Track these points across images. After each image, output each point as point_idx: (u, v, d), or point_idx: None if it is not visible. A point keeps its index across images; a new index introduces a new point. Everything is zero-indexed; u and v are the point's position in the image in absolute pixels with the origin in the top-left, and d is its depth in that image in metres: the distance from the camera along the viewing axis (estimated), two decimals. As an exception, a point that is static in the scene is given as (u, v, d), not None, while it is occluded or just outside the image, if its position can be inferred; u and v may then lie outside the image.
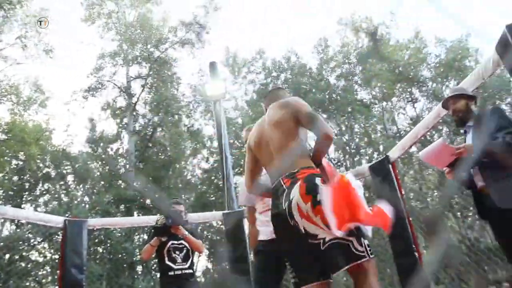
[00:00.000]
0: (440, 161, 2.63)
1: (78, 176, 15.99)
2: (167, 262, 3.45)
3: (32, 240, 13.02)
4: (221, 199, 13.93)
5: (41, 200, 15.66)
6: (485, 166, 2.39)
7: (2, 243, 12.80)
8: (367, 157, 17.04)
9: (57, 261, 11.62)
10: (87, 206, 14.64)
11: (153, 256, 3.65)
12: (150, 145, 17.44)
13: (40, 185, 15.86)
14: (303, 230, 1.70)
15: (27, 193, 15.53)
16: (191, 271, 3.53)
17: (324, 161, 1.90)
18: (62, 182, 16.03)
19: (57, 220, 4.06)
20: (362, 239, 1.69)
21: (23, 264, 12.54)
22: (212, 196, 17.06)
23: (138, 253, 12.29)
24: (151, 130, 17.60)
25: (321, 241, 1.66)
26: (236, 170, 14.20)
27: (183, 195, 16.66)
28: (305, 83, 18.14)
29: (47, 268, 12.95)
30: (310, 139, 3.09)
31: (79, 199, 15.44)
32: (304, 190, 1.71)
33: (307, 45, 19.27)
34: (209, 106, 16.95)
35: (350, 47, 19.16)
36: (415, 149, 10.25)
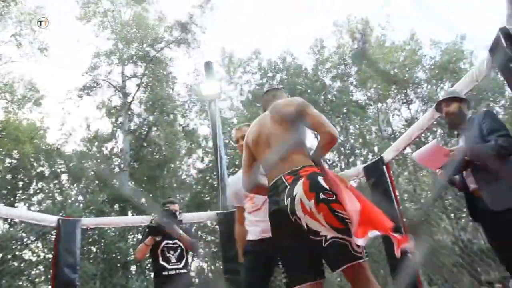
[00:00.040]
0: (433, 163, 2.65)
1: (72, 175, 15.92)
2: (161, 262, 3.43)
3: (25, 239, 12.94)
4: (215, 199, 13.93)
5: (34, 199, 15.57)
6: (477, 168, 2.41)
7: (-5, 242, 12.72)
8: (362, 158, 17.10)
9: (50, 260, 11.55)
10: (81, 205, 14.57)
11: (147, 255, 3.64)
12: (145, 144, 17.38)
13: (34, 183, 15.76)
14: (305, 226, 1.70)
15: (20, 191, 15.43)
16: (185, 270, 3.51)
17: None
18: (56, 181, 15.95)
19: (51, 219, 4.05)
20: None
21: (16, 264, 12.45)
22: (206, 196, 17.04)
23: (132, 253, 12.25)
24: (146, 129, 17.54)
25: (323, 238, 1.66)
26: (231, 170, 14.18)
27: (177, 195, 16.63)
28: (301, 83, 18.15)
29: (40, 267, 12.87)
30: (308, 139, 3.10)
31: (73, 198, 15.36)
32: (307, 187, 1.73)
33: (306, 46, 19.25)
34: (205, 106, 16.93)
35: (345, 48, 19.20)
36: (409, 151, 10.29)
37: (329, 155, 17.50)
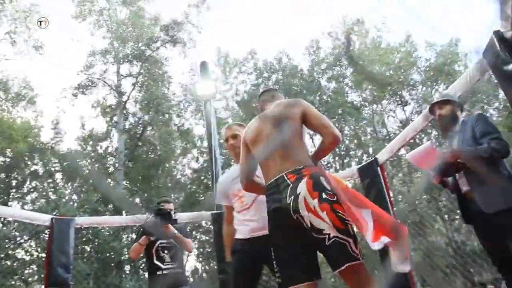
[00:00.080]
0: (427, 164, 2.66)
1: (66, 174, 15.86)
2: (156, 261, 3.42)
3: (18, 238, 12.87)
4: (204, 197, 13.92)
5: (28, 197, 15.50)
6: (470, 170, 2.43)
7: (-13, 241, 12.64)
8: (357, 159, 17.14)
9: (43, 259, 11.49)
10: (75, 204, 14.51)
11: (141, 255, 3.63)
12: (140, 143, 17.34)
13: (28, 182, 15.69)
14: (309, 224, 1.71)
15: (14, 190, 15.36)
16: (180, 270, 3.50)
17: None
18: (50, 180, 15.88)
19: (44, 218, 4.03)
20: (357, 242, 1.71)
21: (8, 263, 12.38)
22: (201, 196, 17.02)
23: (126, 252, 12.20)
24: (141, 128, 17.50)
25: (327, 236, 1.67)
26: (226, 170, 14.16)
27: (172, 195, 16.59)
28: (296, 84, 18.18)
29: (33, 266, 12.80)
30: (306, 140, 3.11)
31: (67, 197, 15.29)
32: (311, 186, 1.75)
33: (304, 46, 19.24)
34: (200, 106, 16.92)
35: (341, 49, 19.24)
36: (404, 152, 10.33)
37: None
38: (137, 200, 15.87)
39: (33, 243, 13.12)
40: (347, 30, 18.82)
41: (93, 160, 16.88)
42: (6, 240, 12.51)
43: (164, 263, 3.42)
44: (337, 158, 17.57)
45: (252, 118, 2.28)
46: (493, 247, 2.46)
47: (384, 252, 3.68)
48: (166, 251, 3.47)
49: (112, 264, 12.77)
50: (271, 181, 1.91)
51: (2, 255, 12.22)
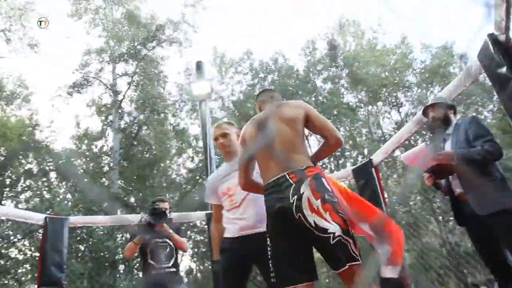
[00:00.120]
0: (421, 165, 2.68)
1: (60, 173, 15.78)
2: (150, 261, 3.40)
3: (12, 237, 12.80)
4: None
5: (22, 196, 15.41)
6: (463, 173, 2.44)
7: (-20, 240, 12.56)
8: (352, 160, 17.19)
9: (37, 259, 11.43)
10: (69, 203, 14.45)
11: (136, 254, 3.61)
12: (135, 143, 17.30)
13: (22, 181, 15.61)
14: (313, 224, 1.72)
15: (8, 189, 15.26)
16: (174, 269, 3.48)
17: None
18: (44, 179, 15.80)
19: (38, 217, 4.01)
20: (356, 243, 1.74)
21: (2, 262, 12.30)
22: (196, 196, 16.98)
23: (120, 252, 12.16)
24: (137, 128, 17.46)
25: (331, 235, 1.69)
26: (221, 170, 14.14)
27: (167, 194, 16.58)
28: (292, 85, 18.21)
29: (27, 266, 12.72)
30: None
31: (61, 196, 15.22)
32: (314, 187, 1.78)
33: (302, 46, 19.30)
34: (195, 106, 16.92)
35: (337, 50, 19.29)
36: (398, 153, 10.37)
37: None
38: (132, 199, 15.82)
39: (26, 242, 13.04)
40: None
41: (88, 159, 16.82)
42: (0, 239, 12.44)
43: (159, 263, 3.41)
44: (332, 159, 17.60)
45: (248, 118, 2.29)
46: (486, 249, 2.47)
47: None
48: (161, 251, 3.45)
49: (106, 264, 12.71)
50: (272, 180, 1.91)
51: (-5, 254, 12.16)
